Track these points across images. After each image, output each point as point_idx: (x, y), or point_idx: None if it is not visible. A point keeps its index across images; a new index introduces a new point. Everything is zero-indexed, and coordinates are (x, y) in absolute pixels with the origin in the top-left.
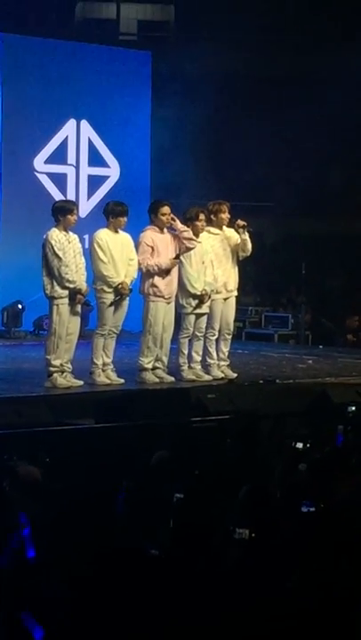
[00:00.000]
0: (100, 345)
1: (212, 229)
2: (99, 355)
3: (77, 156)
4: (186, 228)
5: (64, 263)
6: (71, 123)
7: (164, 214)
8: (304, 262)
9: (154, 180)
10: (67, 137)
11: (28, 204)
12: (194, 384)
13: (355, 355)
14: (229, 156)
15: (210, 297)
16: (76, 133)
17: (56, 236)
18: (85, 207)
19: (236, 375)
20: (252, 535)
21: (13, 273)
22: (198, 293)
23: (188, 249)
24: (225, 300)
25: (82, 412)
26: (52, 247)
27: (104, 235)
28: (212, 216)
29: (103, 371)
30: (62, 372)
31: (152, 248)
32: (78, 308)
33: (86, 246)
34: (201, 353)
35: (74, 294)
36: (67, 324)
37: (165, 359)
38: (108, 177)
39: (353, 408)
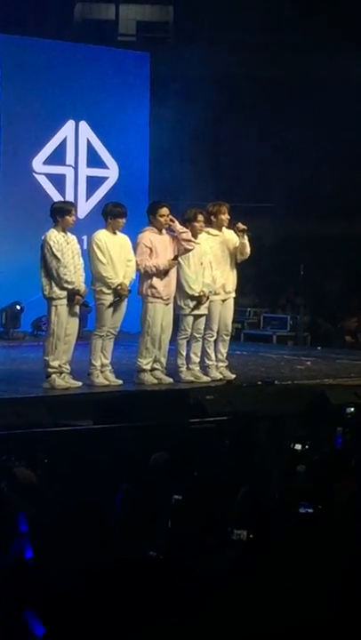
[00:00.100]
0: (99, 346)
1: (212, 231)
2: (97, 356)
3: (76, 157)
4: (184, 229)
5: (63, 264)
6: (70, 124)
7: (162, 215)
8: (303, 263)
9: (152, 181)
10: (65, 138)
11: (27, 205)
12: (192, 385)
13: (353, 356)
14: (228, 157)
15: (208, 298)
16: (75, 134)
17: (55, 237)
18: (84, 208)
19: (234, 376)
20: (250, 536)
21: (12, 274)
22: (196, 295)
23: (187, 250)
24: (223, 301)
25: (80, 413)
26: (51, 248)
27: (103, 236)
28: (211, 217)
29: (101, 372)
30: (61, 373)
31: (150, 249)
32: (77, 309)
33: (85, 247)
34: (199, 354)
35: (72, 295)
36: (65, 324)
37: (164, 360)
38: (106, 178)
39: (351, 409)
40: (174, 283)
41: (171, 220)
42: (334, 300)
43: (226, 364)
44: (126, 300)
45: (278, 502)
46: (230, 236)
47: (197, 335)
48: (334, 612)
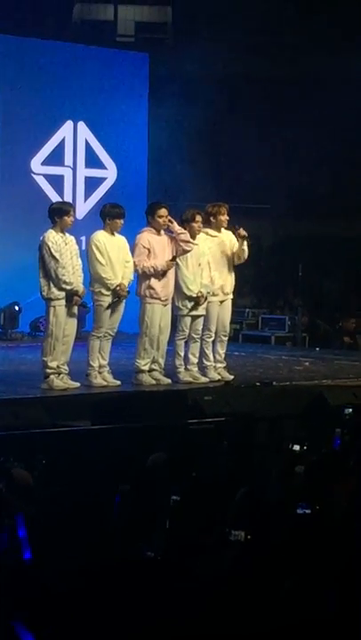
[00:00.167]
0: (97, 347)
1: (210, 231)
2: (95, 357)
3: (74, 158)
4: (183, 230)
5: (61, 265)
6: (68, 124)
7: (161, 216)
8: (301, 264)
9: (151, 182)
10: (64, 138)
11: (25, 206)
12: (190, 386)
13: (351, 357)
14: (227, 158)
15: (206, 299)
16: (74, 135)
17: (53, 238)
18: (82, 209)
19: (232, 377)
20: (248, 537)
21: (10, 274)
22: (194, 295)
23: (185, 251)
24: (221, 302)
25: (78, 413)
26: (49, 249)
27: (101, 237)
28: (211, 218)
29: (99, 372)
30: (59, 374)
31: (148, 250)
32: (75, 309)
33: (83, 248)
34: (197, 355)
35: (71, 296)
36: (63, 325)
37: (162, 361)
38: (105, 179)
39: (350, 410)
40: (172, 283)
41: (169, 221)
42: (333, 300)
43: (224, 364)
44: (124, 300)
45: (277, 503)
46: (229, 238)
47: (195, 336)
48: (333, 612)
